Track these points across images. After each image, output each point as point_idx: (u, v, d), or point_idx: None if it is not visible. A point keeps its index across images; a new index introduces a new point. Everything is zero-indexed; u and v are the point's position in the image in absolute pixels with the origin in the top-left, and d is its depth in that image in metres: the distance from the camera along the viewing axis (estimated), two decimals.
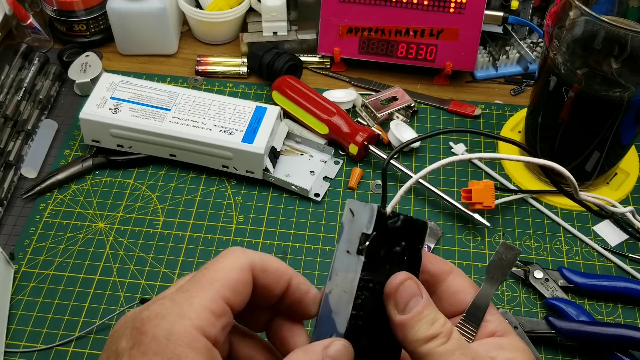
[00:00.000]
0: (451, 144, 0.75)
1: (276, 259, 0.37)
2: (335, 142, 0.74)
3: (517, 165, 0.73)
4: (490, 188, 0.66)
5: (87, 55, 0.80)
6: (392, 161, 0.70)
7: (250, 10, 0.86)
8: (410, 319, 0.35)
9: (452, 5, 0.76)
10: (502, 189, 0.71)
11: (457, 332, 0.35)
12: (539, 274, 0.62)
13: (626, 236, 0.67)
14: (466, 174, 0.73)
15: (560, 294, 0.61)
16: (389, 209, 0.36)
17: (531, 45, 0.84)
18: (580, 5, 0.56)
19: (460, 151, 0.74)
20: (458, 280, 0.38)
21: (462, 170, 0.73)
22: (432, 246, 0.66)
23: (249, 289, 0.35)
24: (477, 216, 0.66)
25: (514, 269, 0.64)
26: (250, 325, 0.39)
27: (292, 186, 0.70)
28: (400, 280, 0.35)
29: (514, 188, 0.71)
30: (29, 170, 0.72)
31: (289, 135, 0.74)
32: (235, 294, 0.34)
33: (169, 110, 0.70)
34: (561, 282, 0.62)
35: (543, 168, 0.70)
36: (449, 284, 0.38)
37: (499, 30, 0.83)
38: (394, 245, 0.36)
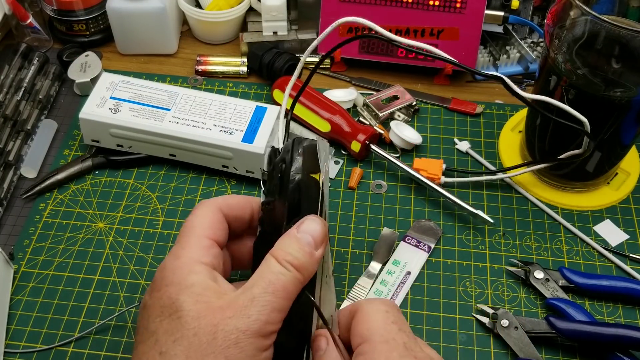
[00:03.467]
0: (456, 140, 0.75)
1: (237, 195, 0.46)
2: (335, 142, 0.74)
3: (516, 161, 0.73)
4: (439, 164, 0.71)
5: (87, 55, 0.80)
6: (394, 160, 0.71)
7: (250, 10, 0.86)
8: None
9: (453, 5, 0.76)
10: (483, 173, 0.71)
11: None
12: (539, 274, 0.62)
13: (627, 236, 0.67)
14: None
15: (561, 294, 0.61)
16: (280, 143, 0.47)
17: (532, 45, 0.84)
18: (581, 5, 0.56)
19: (464, 148, 0.74)
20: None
21: (463, 169, 0.73)
22: (432, 246, 0.65)
23: (224, 224, 0.45)
24: (480, 212, 0.66)
25: (514, 269, 0.64)
26: (242, 256, 0.50)
27: None
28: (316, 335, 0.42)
29: (516, 187, 0.71)
30: (29, 170, 0.72)
31: (289, 135, 0.74)
32: (214, 229, 0.44)
33: (168, 110, 0.70)
34: (562, 282, 0.62)
35: (543, 168, 0.70)
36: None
37: (500, 30, 0.83)
38: (282, 164, 0.46)
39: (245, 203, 0.47)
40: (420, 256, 0.65)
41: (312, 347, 0.41)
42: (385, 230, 0.66)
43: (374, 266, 0.64)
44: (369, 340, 0.38)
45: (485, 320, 0.60)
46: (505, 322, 0.59)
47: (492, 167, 0.73)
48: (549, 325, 0.58)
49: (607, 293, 0.62)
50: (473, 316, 0.61)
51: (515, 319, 0.59)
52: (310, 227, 0.42)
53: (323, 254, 0.42)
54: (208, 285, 0.40)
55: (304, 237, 0.41)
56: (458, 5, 0.76)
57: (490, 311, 0.60)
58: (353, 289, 0.62)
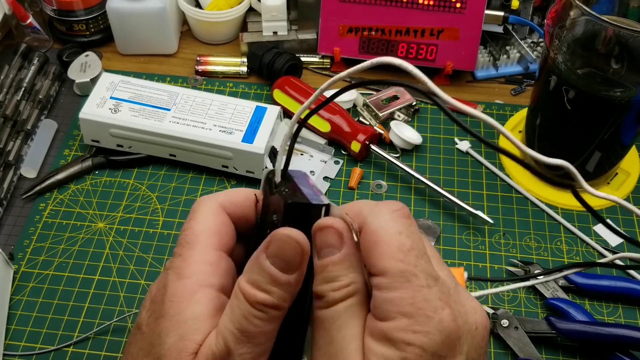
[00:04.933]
0: (456, 140, 0.75)
1: (240, 189, 0.38)
2: (335, 142, 0.74)
3: (517, 165, 0.73)
4: (460, 272, 0.59)
5: (87, 55, 0.80)
6: (394, 160, 0.71)
7: (250, 10, 0.86)
8: (317, 266, 0.33)
9: (452, 5, 0.76)
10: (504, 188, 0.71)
11: (348, 302, 0.32)
12: None
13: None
14: (466, 173, 0.72)
15: (561, 294, 0.61)
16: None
17: (532, 45, 0.83)
18: (581, 5, 0.56)
19: (464, 148, 0.74)
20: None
21: (463, 170, 0.73)
22: (432, 245, 0.65)
23: (230, 226, 0.36)
24: (480, 213, 0.66)
25: (514, 269, 0.64)
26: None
27: None
28: (323, 225, 0.33)
29: (516, 186, 0.71)
30: (29, 170, 0.72)
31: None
32: (220, 236, 0.36)
33: (168, 110, 0.70)
34: (562, 282, 0.62)
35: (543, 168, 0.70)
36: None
37: (500, 30, 0.83)
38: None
39: (251, 199, 0.38)
40: None
41: (316, 242, 0.33)
42: None
43: None
44: (387, 275, 0.31)
45: None
46: (505, 322, 0.59)
47: (492, 168, 0.73)
48: (549, 325, 0.58)
49: (607, 293, 0.62)
50: None
51: (515, 319, 0.59)
52: (281, 249, 0.33)
53: (304, 273, 0.33)
54: (204, 323, 0.33)
55: (275, 264, 0.32)
56: (458, 5, 0.76)
57: (491, 311, 0.60)
58: None
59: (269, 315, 0.32)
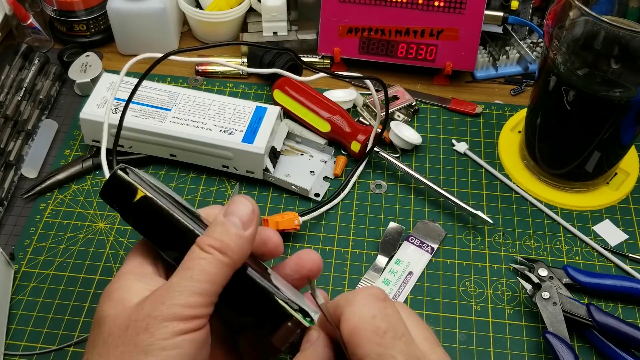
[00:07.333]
0: (454, 141, 0.75)
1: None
2: (335, 142, 0.74)
3: (517, 165, 0.73)
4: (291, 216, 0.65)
5: (88, 55, 0.81)
6: (393, 160, 0.71)
7: (250, 10, 0.87)
8: None
9: (452, 5, 0.77)
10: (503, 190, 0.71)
11: None
12: (543, 272, 0.62)
13: (626, 236, 0.67)
14: (466, 173, 0.73)
15: (565, 292, 0.61)
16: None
17: (531, 45, 0.84)
18: (580, 5, 0.56)
19: (462, 149, 0.75)
20: None
21: (462, 170, 0.73)
22: (435, 247, 0.66)
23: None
24: (480, 213, 0.66)
25: (518, 266, 0.64)
26: None
27: (292, 186, 0.70)
28: None
29: (515, 187, 0.71)
30: (29, 170, 0.72)
31: (289, 135, 0.74)
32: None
33: (169, 110, 0.70)
34: (565, 280, 0.62)
35: (543, 168, 0.70)
36: None
37: (499, 30, 0.83)
38: None
39: None
40: (423, 258, 0.65)
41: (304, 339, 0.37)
42: (392, 225, 0.66)
43: (381, 260, 0.64)
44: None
45: (528, 286, 0.61)
46: (546, 295, 0.59)
47: (491, 169, 0.73)
48: (587, 313, 0.58)
49: (610, 292, 0.62)
50: (511, 267, 0.64)
51: (557, 295, 0.59)
52: (237, 208, 0.39)
53: (255, 233, 0.39)
54: (131, 287, 0.38)
55: (230, 220, 0.38)
56: (458, 5, 0.77)
57: (536, 280, 0.61)
58: (360, 283, 0.63)
59: (215, 257, 0.36)
